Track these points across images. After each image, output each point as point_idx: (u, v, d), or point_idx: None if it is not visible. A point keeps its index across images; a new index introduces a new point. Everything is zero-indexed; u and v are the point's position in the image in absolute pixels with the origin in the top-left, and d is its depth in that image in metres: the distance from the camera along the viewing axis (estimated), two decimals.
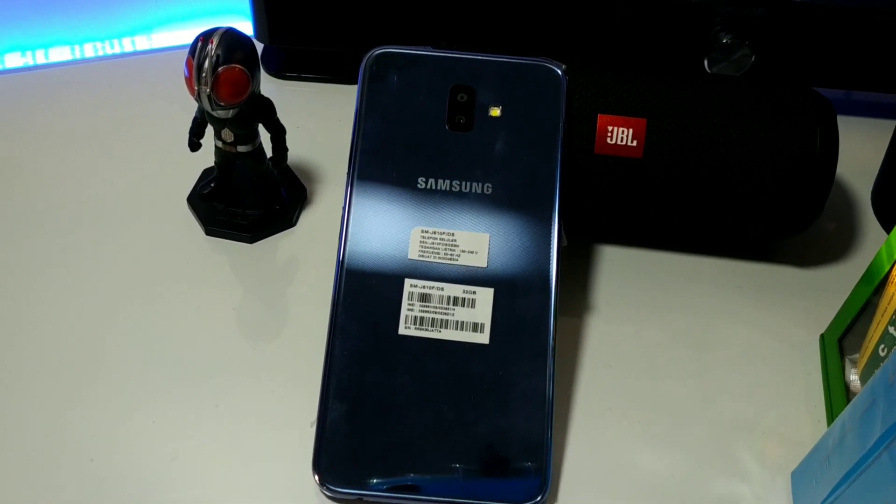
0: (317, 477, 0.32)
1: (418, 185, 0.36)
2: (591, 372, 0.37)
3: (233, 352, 0.37)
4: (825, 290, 0.41)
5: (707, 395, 0.37)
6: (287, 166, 0.43)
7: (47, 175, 0.44)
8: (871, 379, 0.30)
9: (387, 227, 0.35)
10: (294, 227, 0.42)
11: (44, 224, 0.41)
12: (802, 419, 0.37)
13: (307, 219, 0.42)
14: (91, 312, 0.38)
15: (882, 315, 0.35)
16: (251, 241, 0.41)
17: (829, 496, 0.31)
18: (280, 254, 0.41)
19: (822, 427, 0.36)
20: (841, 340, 0.38)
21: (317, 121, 0.47)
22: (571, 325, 0.39)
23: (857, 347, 0.37)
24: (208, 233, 0.41)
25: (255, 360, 0.37)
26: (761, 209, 0.39)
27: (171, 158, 0.44)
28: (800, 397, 0.37)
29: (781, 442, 0.36)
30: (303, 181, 0.43)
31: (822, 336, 0.39)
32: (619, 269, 0.41)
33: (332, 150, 0.45)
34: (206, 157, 0.42)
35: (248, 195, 0.42)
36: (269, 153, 0.41)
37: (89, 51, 0.51)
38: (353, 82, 0.37)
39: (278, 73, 0.49)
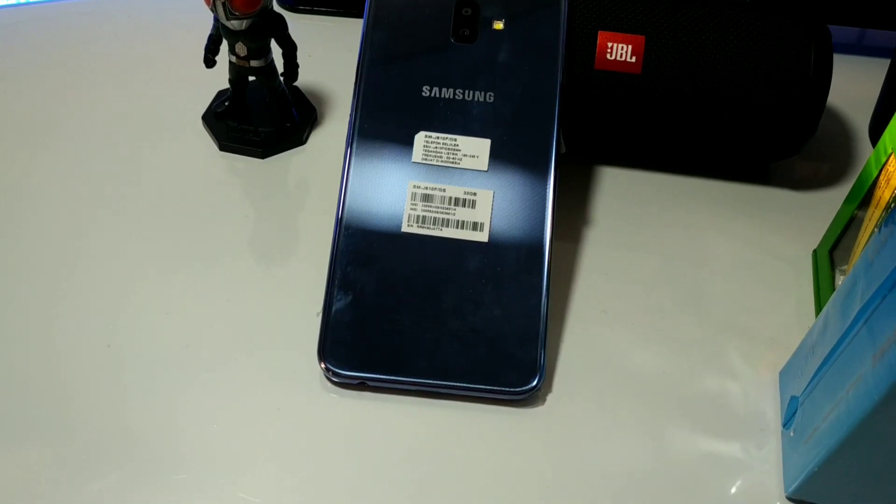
0: (322, 364, 0.34)
1: (423, 94, 0.37)
2: (586, 278, 0.39)
3: (244, 254, 0.39)
4: (820, 211, 0.42)
5: (700, 303, 0.38)
6: (298, 88, 0.45)
7: (71, 97, 0.45)
8: (854, 265, 0.31)
9: (392, 132, 0.37)
10: (304, 146, 0.44)
11: (70, 138, 0.43)
12: (793, 326, 0.38)
13: (317, 138, 0.44)
14: (112, 215, 0.40)
15: (869, 221, 0.36)
16: (263, 156, 0.42)
17: (811, 381, 0.32)
18: (291, 169, 0.43)
19: None
20: (832, 252, 0.39)
21: (328, 50, 0.48)
22: (570, 236, 0.40)
23: (847, 259, 0.38)
24: (222, 148, 0.43)
25: (266, 261, 0.38)
26: (755, 127, 0.40)
27: (187, 81, 0.46)
28: (791, 307, 0.39)
29: (771, 346, 0.37)
30: (313, 104, 0.45)
31: (814, 252, 0.41)
32: (617, 188, 0.43)
33: (342, 78, 0.47)
34: (221, 78, 0.44)
35: (260, 113, 0.43)
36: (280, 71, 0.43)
37: None
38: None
39: (292, 6, 0.51)
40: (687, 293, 0.39)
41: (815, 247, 0.41)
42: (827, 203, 0.43)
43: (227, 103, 0.43)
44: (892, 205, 0.33)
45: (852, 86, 0.49)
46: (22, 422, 0.33)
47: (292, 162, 0.43)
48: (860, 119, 0.48)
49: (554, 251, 0.39)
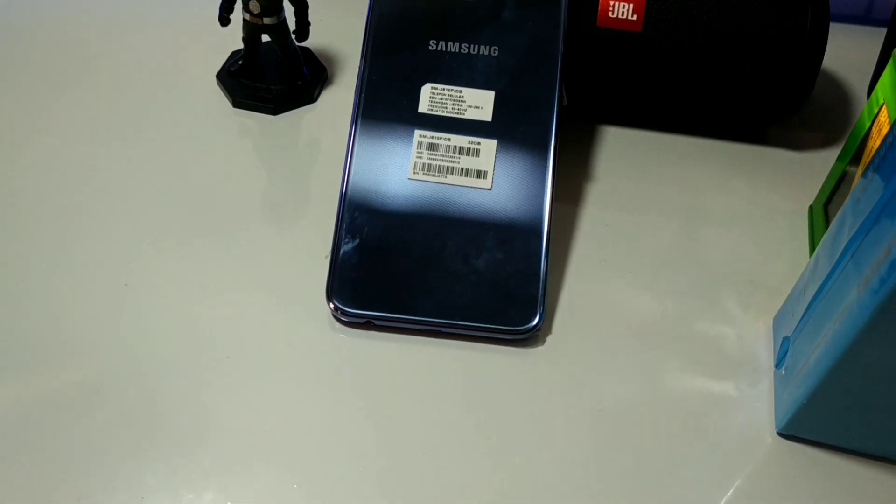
0: (330, 304, 0.35)
1: (430, 47, 0.39)
2: (587, 229, 0.40)
3: (256, 203, 0.40)
4: (818, 170, 0.43)
5: (697, 254, 0.40)
6: (309, 49, 0.46)
7: (93, 55, 0.47)
8: (843, 206, 0.32)
9: (400, 84, 0.38)
10: (315, 104, 0.45)
11: (92, 93, 0.45)
12: (788, 276, 0.39)
13: (327, 97, 0.45)
14: (130, 165, 0.41)
15: (861, 168, 0.37)
16: (274, 112, 0.44)
17: (801, 319, 0.33)
18: (302, 126, 0.44)
19: None
20: (826, 206, 0.40)
21: (338, 15, 0.50)
22: (572, 191, 0.41)
23: None
24: (235, 105, 0.44)
25: (277, 210, 0.40)
26: (754, 85, 0.41)
27: (203, 43, 0.47)
28: (787, 258, 0.40)
29: (767, 294, 0.38)
30: (324, 65, 0.46)
31: (810, 207, 0.42)
32: (619, 146, 0.44)
33: (352, 41, 0.48)
34: (235, 39, 0.45)
35: (272, 72, 0.45)
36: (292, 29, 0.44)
37: None
38: None
39: None
40: (685, 245, 0.40)
41: (811, 203, 0.42)
42: (824, 163, 0.44)
43: (240, 62, 0.45)
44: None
45: (857, 54, 0.50)
46: (45, 352, 0.34)
47: (303, 119, 0.44)
48: (862, 87, 0.49)
49: (555, 199, 0.40)
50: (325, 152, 0.43)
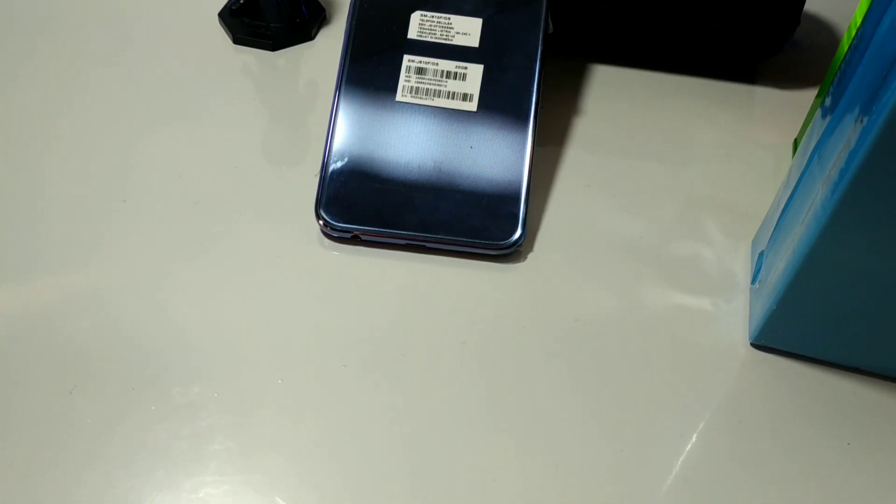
0: (319, 221, 0.37)
1: None
2: (573, 157, 0.41)
3: (255, 131, 0.41)
4: (804, 107, 0.44)
5: (682, 182, 0.40)
6: None
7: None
8: (812, 119, 0.33)
9: (389, 11, 0.39)
10: (313, 41, 0.46)
11: (98, 29, 0.46)
12: (769, 204, 0.40)
13: (324, 35, 0.47)
14: (134, 93, 0.43)
15: None
16: (273, 48, 0.45)
17: (773, 231, 0.34)
18: (300, 63, 0.45)
19: None
20: None
21: None
22: (559, 122, 0.42)
23: None
24: (235, 41, 0.45)
25: (273, 138, 0.41)
26: (740, 20, 0.42)
27: None
28: (769, 188, 0.40)
29: (747, 220, 0.39)
30: (323, 6, 0.48)
31: (794, 140, 0.42)
32: (607, 82, 0.45)
33: None
34: None
35: (272, 11, 0.46)
36: None
37: None
38: None
39: None
40: (670, 174, 0.41)
41: (796, 137, 0.42)
42: (811, 101, 0.45)
43: (241, 1, 0.46)
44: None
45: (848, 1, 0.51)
46: (47, 262, 0.36)
47: (301, 56, 0.46)
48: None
49: (542, 130, 0.41)
50: (321, 87, 0.44)
